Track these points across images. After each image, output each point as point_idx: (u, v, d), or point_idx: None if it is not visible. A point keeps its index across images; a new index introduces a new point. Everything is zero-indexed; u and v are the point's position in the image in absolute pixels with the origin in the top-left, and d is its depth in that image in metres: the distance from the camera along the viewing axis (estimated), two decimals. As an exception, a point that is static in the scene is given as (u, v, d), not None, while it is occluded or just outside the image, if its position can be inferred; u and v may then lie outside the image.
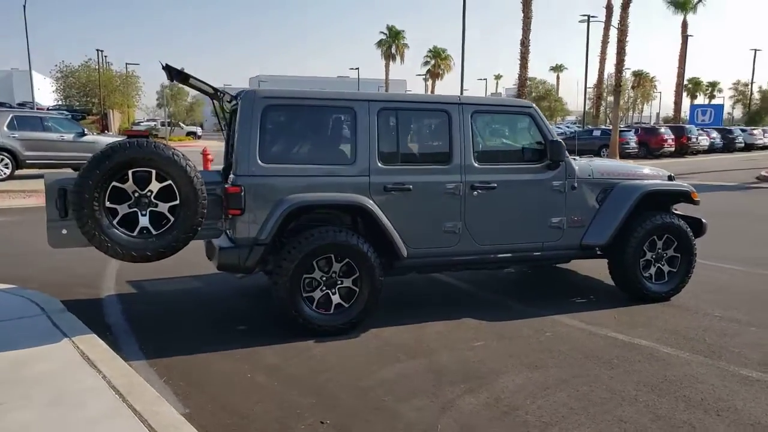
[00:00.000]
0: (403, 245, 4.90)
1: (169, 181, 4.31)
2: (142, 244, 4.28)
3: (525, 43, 31.80)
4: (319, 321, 4.73)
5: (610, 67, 39.25)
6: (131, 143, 4.20)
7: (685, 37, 44.13)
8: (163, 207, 4.34)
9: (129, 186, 4.26)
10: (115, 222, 4.23)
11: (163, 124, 47.27)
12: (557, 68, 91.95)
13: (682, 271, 5.82)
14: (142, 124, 47.81)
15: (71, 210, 4.19)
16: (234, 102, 4.98)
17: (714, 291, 6.14)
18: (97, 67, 42.57)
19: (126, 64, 45.89)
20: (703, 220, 6.01)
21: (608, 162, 7.05)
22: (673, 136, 31.41)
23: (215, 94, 5.16)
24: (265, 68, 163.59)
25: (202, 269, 6.33)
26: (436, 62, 65.32)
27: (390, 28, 63.51)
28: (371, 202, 4.79)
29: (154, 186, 4.32)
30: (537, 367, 4.23)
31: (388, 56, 64.49)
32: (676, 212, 5.96)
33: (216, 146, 22.36)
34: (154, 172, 4.27)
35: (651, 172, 6.10)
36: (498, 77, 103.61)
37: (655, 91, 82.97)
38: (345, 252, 4.70)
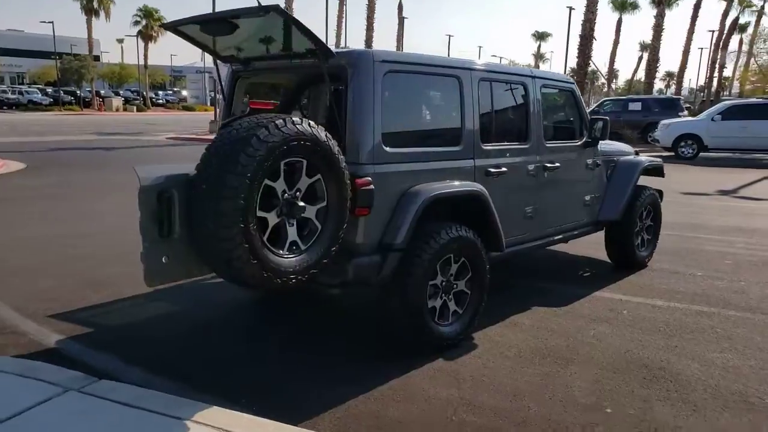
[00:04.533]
0: (503, 237, 4.39)
1: (318, 176, 3.12)
2: (294, 264, 3.04)
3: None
4: (443, 334, 4.00)
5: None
6: (294, 121, 2.90)
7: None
8: (311, 211, 3.13)
9: (279, 184, 2.97)
10: (265, 238, 2.91)
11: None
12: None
13: (655, 237, 6.40)
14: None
15: (177, 225, 2.76)
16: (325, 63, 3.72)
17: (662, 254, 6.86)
18: None
19: None
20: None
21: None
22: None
23: (316, 50, 3.54)
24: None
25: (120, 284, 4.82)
26: (149, 23, 59.24)
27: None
28: (484, 190, 4.17)
29: (303, 183, 3.09)
30: (676, 347, 4.23)
31: (90, 11, 56.03)
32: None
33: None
34: (305, 162, 3.04)
35: (626, 149, 6.51)
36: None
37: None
38: (465, 250, 4.03)
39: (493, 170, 4.33)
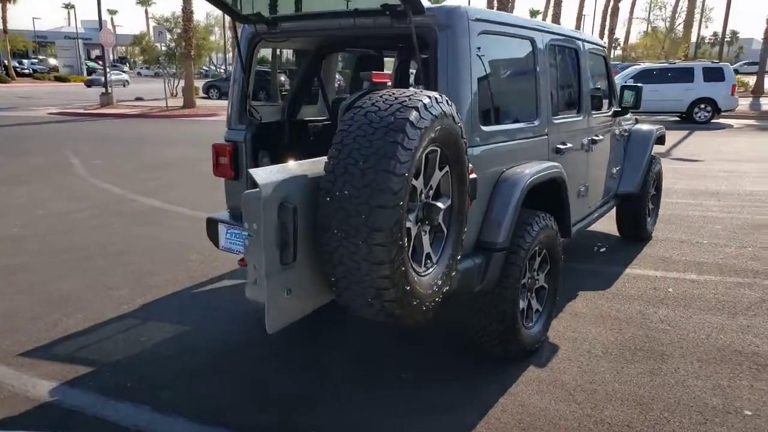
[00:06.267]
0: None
1: (447, 168, 2.45)
2: (431, 284, 2.37)
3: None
4: (531, 337, 3.50)
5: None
6: (437, 99, 2.19)
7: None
8: (438, 213, 2.44)
9: (419, 183, 2.26)
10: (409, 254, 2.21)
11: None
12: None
13: (657, 207, 6.24)
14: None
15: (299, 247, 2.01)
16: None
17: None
18: None
19: None
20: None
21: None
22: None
23: (401, 5, 2.76)
24: None
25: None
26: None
27: None
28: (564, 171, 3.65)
29: (435, 178, 2.40)
30: (749, 327, 4.00)
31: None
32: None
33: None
34: (439, 152, 2.35)
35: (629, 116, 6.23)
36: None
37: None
38: (547, 240, 3.51)
39: (561, 147, 3.83)
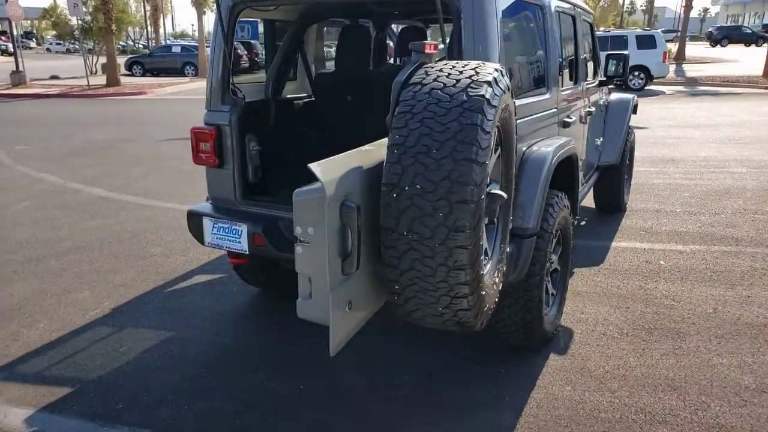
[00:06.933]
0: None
1: (499, 150, 2.18)
2: (491, 282, 2.10)
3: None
4: (550, 323, 3.33)
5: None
6: (503, 72, 1.91)
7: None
8: (499, 204, 2.17)
9: None
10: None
11: None
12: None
13: (630, 177, 6.22)
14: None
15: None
16: None
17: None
18: None
19: None
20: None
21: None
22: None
23: None
24: None
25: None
26: None
27: None
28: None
29: (491, 163, 2.12)
30: (749, 297, 3.99)
31: None
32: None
33: None
34: (496, 132, 2.07)
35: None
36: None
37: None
38: (564, 223, 3.33)
39: (568, 120, 3.64)
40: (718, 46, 47.60)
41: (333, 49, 4.35)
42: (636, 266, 4.56)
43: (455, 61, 1.93)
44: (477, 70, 1.85)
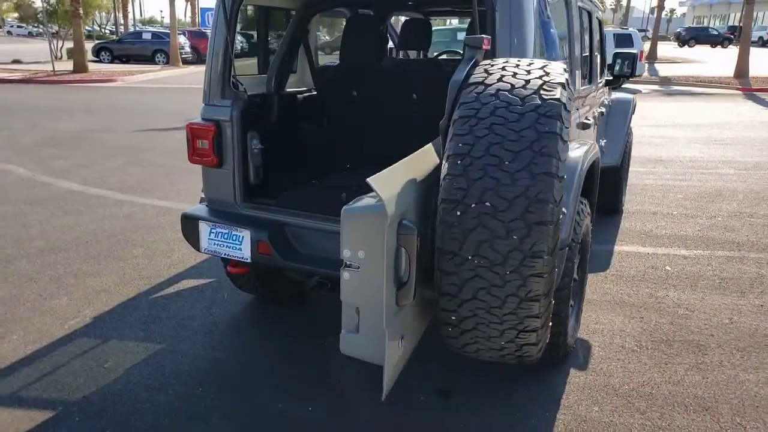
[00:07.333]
0: (594, 205, 3.58)
1: None
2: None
3: None
4: (570, 336, 3.15)
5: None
6: (564, 69, 1.68)
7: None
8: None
9: None
10: None
11: None
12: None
13: (627, 178, 6.10)
14: None
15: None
16: None
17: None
18: None
19: None
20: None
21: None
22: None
23: None
24: None
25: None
26: None
27: None
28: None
29: None
30: (762, 306, 3.89)
31: None
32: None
33: None
34: None
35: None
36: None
37: None
38: (586, 231, 3.15)
39: (586, 122, 3.45)
40: (686, 46, 48.43)
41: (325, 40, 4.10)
42: (643, 272, 4.42)
43: (515, 59, 1.71)
44: (545, 69, 1.63)
